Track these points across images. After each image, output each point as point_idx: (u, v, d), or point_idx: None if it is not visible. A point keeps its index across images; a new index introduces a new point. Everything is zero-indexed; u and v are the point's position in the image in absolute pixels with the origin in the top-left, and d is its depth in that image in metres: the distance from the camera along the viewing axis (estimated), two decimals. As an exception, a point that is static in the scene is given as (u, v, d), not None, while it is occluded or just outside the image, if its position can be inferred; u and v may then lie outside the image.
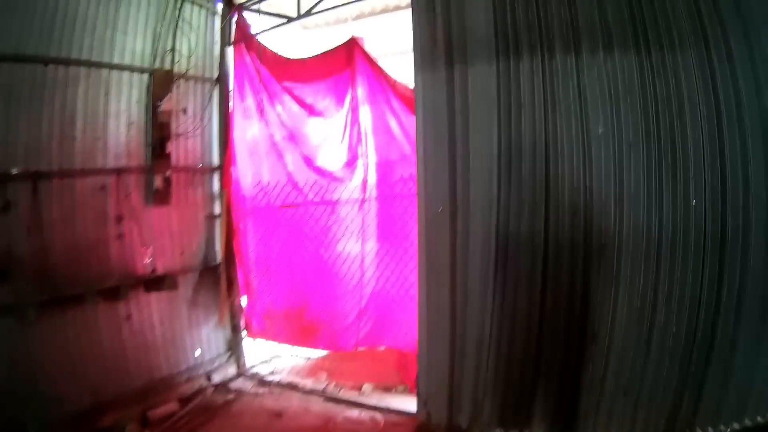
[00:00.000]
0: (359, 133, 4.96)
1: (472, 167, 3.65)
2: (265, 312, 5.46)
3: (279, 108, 5.21)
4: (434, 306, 3.93)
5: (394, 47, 6.24)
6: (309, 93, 5.11)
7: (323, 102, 5.06)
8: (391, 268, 5.05)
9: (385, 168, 4.97)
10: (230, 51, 5.64)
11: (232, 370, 5.64)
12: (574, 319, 3.37)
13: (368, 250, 5.07)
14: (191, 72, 5.37)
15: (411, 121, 4.73)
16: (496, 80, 3.51)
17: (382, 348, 5.28)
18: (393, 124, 4.92)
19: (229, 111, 5.51)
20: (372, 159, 4.98)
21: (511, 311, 3.57)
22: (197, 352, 5.38)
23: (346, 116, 4.98)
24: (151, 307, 4.94)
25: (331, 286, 5.17)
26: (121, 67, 4.68)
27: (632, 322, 3.21)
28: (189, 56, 5.31)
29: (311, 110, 5.11)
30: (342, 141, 5.00)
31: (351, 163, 4.98)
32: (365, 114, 4.99)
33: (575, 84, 3.28)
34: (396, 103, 4.86)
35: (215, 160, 5.55)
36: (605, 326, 3.26)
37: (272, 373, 5.62)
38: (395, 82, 4.87)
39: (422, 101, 3.92)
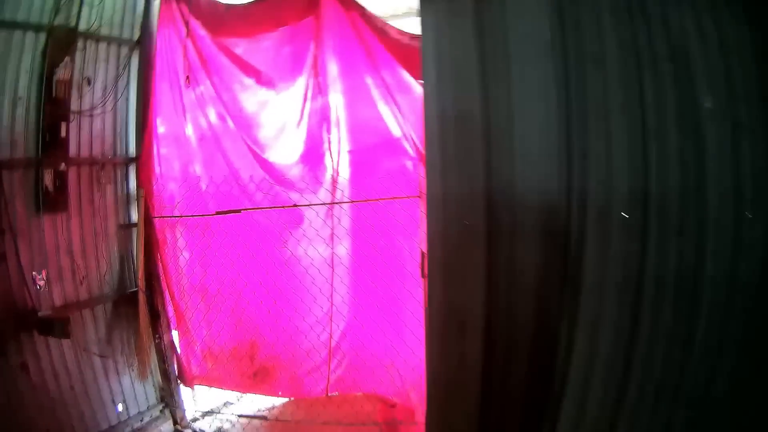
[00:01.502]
0: (325, 111, 3.58)
1: (519, 154, 2.37)
2: (205, 352, 4.11)
3: (215, 76, 3.79)
4: (453, 367, 2.60)
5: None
6: (254, 53, 3.67)
7: (273, 65, 3.65)
8: (373, 294, 3.77)
9: (363, 158, 3.64)
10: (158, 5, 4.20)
11: (167, 426, 4.34)
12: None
13: (341, 269, 3.76)
14: (103, 30, 3.93)
15: (404, 86, 3.41)
16: (556, 18, 2.29)
17: (360, 394, 4.01)
18: (376, 92, 3.54)
19: (152, 83, 4.08)
20: (344, 146, 3.63)
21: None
22: (120, 407, 4.09)
23: (306, 86, 3.58)
24: (52, 351, 3.64)
25: (290, 317, 3.85)
26: (11, 25, 3.36)
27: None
28: (100, 7, 3.85)
29: (258, 78, 3.68)
30: (300, 123, 3.61)
31: (312, 153, 3.61)
32: (335, 82, 3.60)
33: (676, 34, 2.19)
34: (382, 60, 3.47)
35: (132, 149, 4.12)
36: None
37: (220, 431, 4.31)
38: (384, 26, 3.46)
39: (433, 48, 2.52)
